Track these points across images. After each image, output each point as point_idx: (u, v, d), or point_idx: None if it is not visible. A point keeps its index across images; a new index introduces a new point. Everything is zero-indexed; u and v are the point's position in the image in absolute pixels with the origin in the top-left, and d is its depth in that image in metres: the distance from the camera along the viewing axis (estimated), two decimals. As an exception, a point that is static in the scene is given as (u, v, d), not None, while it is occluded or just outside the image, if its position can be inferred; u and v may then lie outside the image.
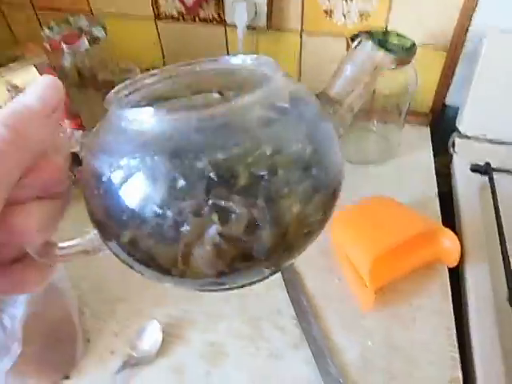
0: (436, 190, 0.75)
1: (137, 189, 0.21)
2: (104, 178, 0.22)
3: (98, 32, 0.73)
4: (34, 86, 0.23)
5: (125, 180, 0.21)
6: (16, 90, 0.60)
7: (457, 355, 0.55)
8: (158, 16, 0.90)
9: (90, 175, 0.23)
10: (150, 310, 0.60)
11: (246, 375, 0.53)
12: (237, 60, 0.27)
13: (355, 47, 0.26)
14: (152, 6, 0.88)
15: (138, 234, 0.22)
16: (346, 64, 0.26)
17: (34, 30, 0.95)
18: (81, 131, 0.25)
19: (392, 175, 0.78)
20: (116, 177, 0.22)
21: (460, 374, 0.53)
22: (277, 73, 0.24)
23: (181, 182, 0.20)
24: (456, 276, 0.64)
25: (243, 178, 0.20)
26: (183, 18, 0.88)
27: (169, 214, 0.20)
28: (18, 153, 0.21)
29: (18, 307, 0.49)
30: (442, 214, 0.71)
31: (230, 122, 0.21)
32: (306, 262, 0.65)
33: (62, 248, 0.25)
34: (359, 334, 0.57)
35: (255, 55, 0.26)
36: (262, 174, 0.21)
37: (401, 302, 0.60)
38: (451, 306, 0.59)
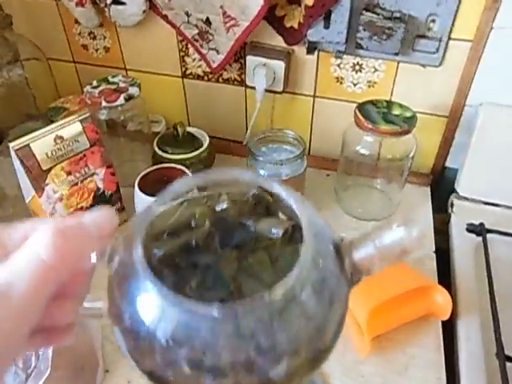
0: (434, 247, 0.80)
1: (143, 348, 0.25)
2: (119, 321, 0.26)
3: (133, 90, 0.82)
4: (93, 212, 0.27)
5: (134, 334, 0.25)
6: (62, 141, 0.68)
7: (447, 405, 0.59)
8: (185, 75, 1.00)
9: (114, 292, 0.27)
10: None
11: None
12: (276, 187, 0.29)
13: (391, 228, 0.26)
14: (180, 65, 0.98)
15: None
16: (376, 237, 0.27)
17: (73, 85, 1.06)
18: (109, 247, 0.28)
19: (393, 231, 0.84)
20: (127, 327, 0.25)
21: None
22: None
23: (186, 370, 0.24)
24: (450, 327, 0.69)
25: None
26: (208, 78, 0.98)
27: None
28: (58, 276, 0.24)
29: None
30: (439, 269, 0.76)
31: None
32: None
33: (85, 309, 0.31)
34: (356, 380, 0.61)
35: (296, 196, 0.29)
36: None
37: (395, 351, 0.65)
38: (443, 357, 0.64)
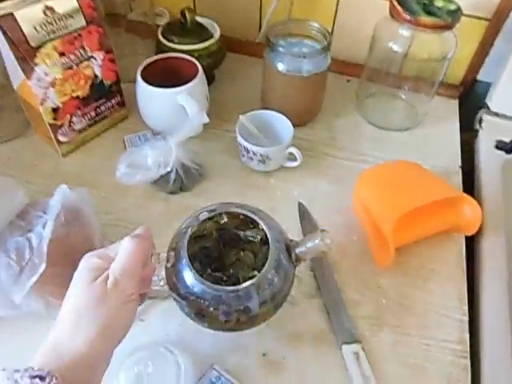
0: (459, 163, 0.75)
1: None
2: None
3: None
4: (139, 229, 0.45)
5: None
6: (52, 13, 0.59)
7: (466, 318, 0.56)
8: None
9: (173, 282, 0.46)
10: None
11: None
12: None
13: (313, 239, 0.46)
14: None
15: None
16: (309, 240, 0.46)
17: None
18: (165, 254, 0.46)
19: (415, 144, 0.78)
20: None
21: (467, 336, 0.55)
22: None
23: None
24: (471, 246, 0.65)
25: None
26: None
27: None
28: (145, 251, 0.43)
29: (46, 229, 0.50)
30: (463, 189, 0.71)
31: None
32: (324, 218, 0.65)
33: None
34: (374, 291, 0.58)
35: None
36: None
37: (416, 264, 0.61)
38: (465, 272, 0.61)
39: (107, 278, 0.40)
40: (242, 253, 0.52)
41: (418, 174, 0.63)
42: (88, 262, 0.43)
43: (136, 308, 0.42)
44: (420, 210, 0.57)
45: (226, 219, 0.50)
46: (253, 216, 0.47)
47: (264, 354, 0.52)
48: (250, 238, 0.52)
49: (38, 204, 0.55)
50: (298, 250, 0.46)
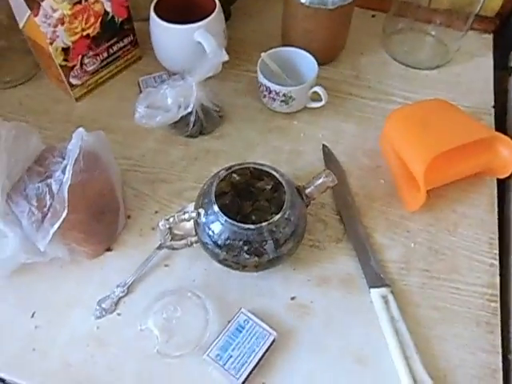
0: (493, 103, 0.70)
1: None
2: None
3: None
4: None
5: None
6: None
7: (496, 262, 0.55)
8: None
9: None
10: (189, 192, 0.59)
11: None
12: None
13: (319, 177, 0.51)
14: None
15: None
16: (318, 178, 0.51)
17: None
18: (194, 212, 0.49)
19: (446, 83, 0.73)
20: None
21: (498, 280, 0.53)
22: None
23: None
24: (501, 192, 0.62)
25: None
26: None
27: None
28: None
29: (65, 174, 0.48)
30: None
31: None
32: (351, 161, 0.63)
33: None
34: (402, 235, 0.56)
35: None
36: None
37: (445, 208, 0.59)
38: (496, 216, 0.58)
39: None
40: (257, 202, 0.55)
41: (450, 114, 0.60)
42: None
43: None
44: (452, 151, 0.54)
45: (237, 177, 0.54)
46: (263, 168, 0.52)
47: (292, 298, 0.51)
48: (264, 188, 0.55)
49: (55, 149, 0.53)
50: (307, 191, 0.51)
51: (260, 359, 0.46)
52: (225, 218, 0.46)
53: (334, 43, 0.71)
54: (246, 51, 0.74)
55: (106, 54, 0.67)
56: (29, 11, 0.56)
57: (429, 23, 0.75)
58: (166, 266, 0.54)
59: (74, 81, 0.66)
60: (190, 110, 0.56)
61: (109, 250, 0.55)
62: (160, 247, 0.53)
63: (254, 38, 0.77)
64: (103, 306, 0.51)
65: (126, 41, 0.69)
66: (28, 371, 0.48)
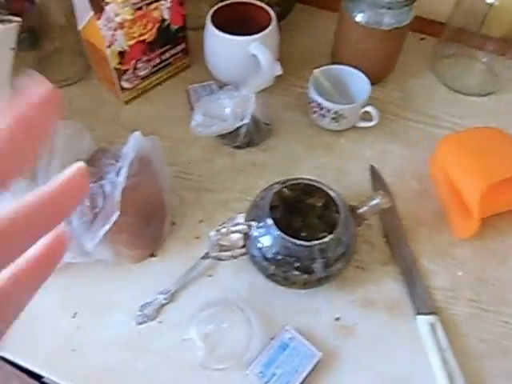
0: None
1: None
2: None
3: None
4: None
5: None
6: None
7: (547, 298, 0.53)
8: None
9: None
10: (234, 203, 0.59)
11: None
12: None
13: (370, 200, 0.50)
14: None
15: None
16: (373, 199, 0.50)
17: None
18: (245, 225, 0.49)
19: (496, 110, 0.72)
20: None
21: (549, 317, 0.52)
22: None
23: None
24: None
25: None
26: None
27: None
28: None
29: (120, 176, 0.48)
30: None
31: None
32: (398, 183, 0.62)
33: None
34: (449, 262, 0.55)
35: None
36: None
37: (495, 238, 0.57)
38: (547, 251, 0.57)
39: None
40: (307, 219, 0.55)
41: (503, 143, 0.59)
42: None
43: None
44: (507, 180, 0.53)
45: (287, 191, 0.54)
46: (315, 184, 0.51)
47: (337, 319, 0.50)
48: (314, 205, 0.55)
49: (108, 151, 0.53)
50: (360, 211, 0.50)
51: (304, 379, 0.45)
52: (278, 231, 0.46)
53: (385, 64, 0.71)
54: (293, 66, 0.74)
55: (158, 60, 0.68)
56: (92, 13, 0.57)
57: (481, 50, 0.75)
58: (209, 276, 0.53)
59: (125, 84, 0.66)
60: (246, 121, 0.56)
61: (153, 255, 0.55)
62: (205, 257, 0.52)
63: (302, 53, 0.78)
64: (145, 312, 0.50)
65: (178, 48, 0.70)
66: (66, 371, 0.47)
